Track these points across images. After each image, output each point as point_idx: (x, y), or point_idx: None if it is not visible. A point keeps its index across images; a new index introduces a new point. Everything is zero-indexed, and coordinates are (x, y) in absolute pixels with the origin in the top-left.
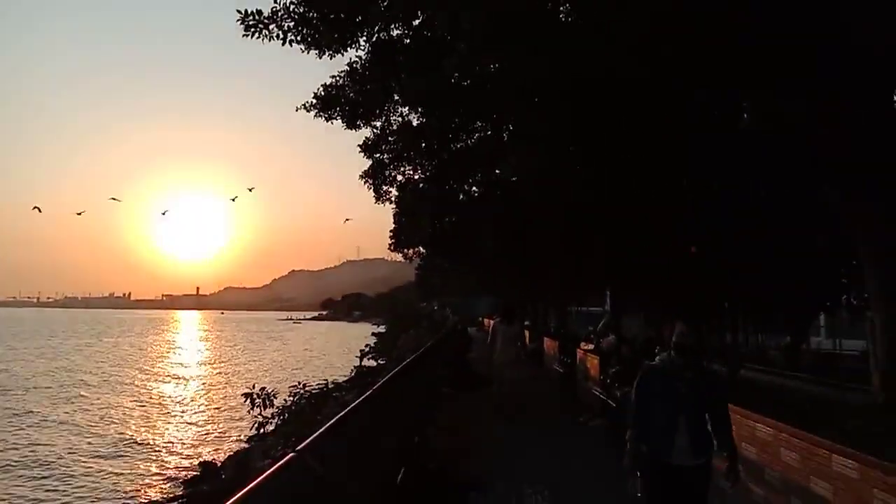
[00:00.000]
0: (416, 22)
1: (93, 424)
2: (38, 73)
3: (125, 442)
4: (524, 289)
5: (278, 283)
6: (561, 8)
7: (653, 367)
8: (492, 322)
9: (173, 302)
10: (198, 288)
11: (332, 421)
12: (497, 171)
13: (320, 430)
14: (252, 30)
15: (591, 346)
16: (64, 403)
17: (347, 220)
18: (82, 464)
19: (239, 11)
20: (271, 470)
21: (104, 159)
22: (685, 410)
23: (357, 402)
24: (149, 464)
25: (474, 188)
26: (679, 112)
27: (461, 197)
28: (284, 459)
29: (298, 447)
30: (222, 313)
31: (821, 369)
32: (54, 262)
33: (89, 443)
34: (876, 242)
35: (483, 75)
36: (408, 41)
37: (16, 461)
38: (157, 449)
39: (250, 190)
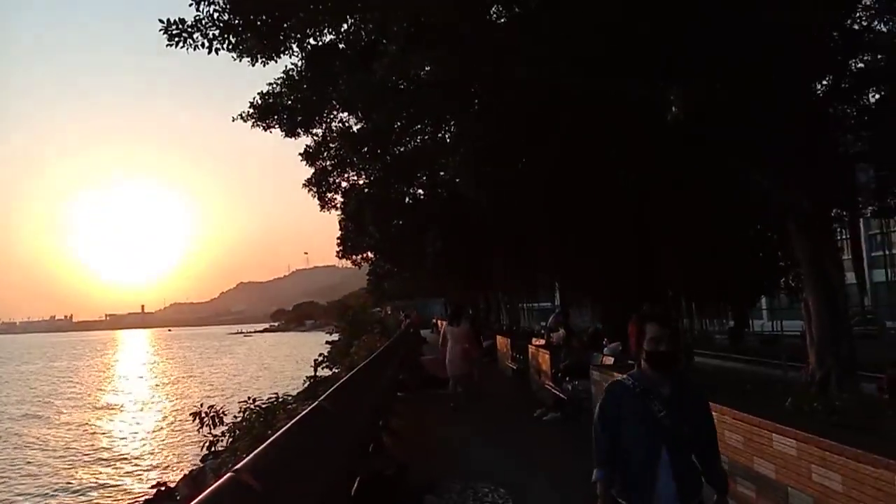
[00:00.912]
0: (345, 26)
1: (50, 445)
2: None
3: (79, 465)
4: (474, 288)
5: (226, 297)
6: (492, 9)
7: (620, 384)
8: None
9: (117, 321)
10: (143, 306)
11: (274, 436)
12: (441, 173)
13: (261, 447)
14: (176, 39)
15: (542, 342)
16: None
17: (306, 253)
18: (34, 486)
19: (161, 21)
20: (206, 493)
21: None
22: (667, 440)
23: (303, 412)
24: (103, 488)
25: (419, 191)
26: (609, 108)
27: (406, 200)
28: (220, 481)
29: (236, 466)
30: (169, 330)
31: (764, 351)
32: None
33: (44, 464)
34: (804, 227)
35: (415, 77)
36: (342, 46)
37: None
38: (110, 473)
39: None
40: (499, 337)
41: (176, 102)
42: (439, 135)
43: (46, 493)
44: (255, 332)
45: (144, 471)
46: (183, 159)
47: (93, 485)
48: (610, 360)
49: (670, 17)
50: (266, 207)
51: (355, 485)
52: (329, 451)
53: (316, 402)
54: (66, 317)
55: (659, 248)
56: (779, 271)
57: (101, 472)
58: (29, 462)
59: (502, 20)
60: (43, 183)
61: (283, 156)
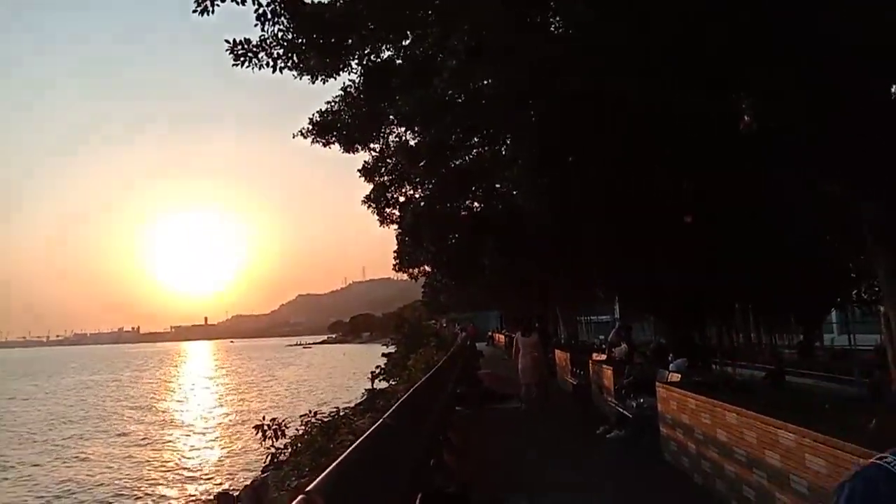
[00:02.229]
0: (406, 42)
1: (113, 459)
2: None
3: (146, 471)
4: (531, 301)
5: (286, 309)
6: (551, 20)
7: (881, 469)
8: (507, 336)
9: (183, 333)
10: (206, 318)
11: (342, 455)
12: (497, 186)
13: (330, 467)
14: (242, 59)
15: (603, 357)
16: (84, 441)
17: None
18: (100, 494)
19: (227, 41)
20: None
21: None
22: None
23: (369, 431)
24: (166, 494)
25: (475, 203)
26: (674, 119)
27: (462, 213)
28: (296, 502)
29: (308, 488)
30: (232, 342)
31: (836, 366)
32: (61, 301)
33: (109, 475)
34: (884, 238)
35: (475, 90)
36: (399, 61)
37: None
38: (175, 479)
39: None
40: (557, 351)
41: (238, 119)
42: (496, 147)
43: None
44: (314, 343)
45: (207, 479)
46: (244, 175)
47: (156, 492)
48: (677, 377)
49: (742, 26)
50: (324, 221)
51: (417, 502)
52: (393, 468)
53: (381, 420)
54: (133, 328)
55: (724, 260)
56: (851, 283)
57: (163, 480)
58: (92, 470)
59: (560, 31)
60: (118, 205)
61: (340, 170)
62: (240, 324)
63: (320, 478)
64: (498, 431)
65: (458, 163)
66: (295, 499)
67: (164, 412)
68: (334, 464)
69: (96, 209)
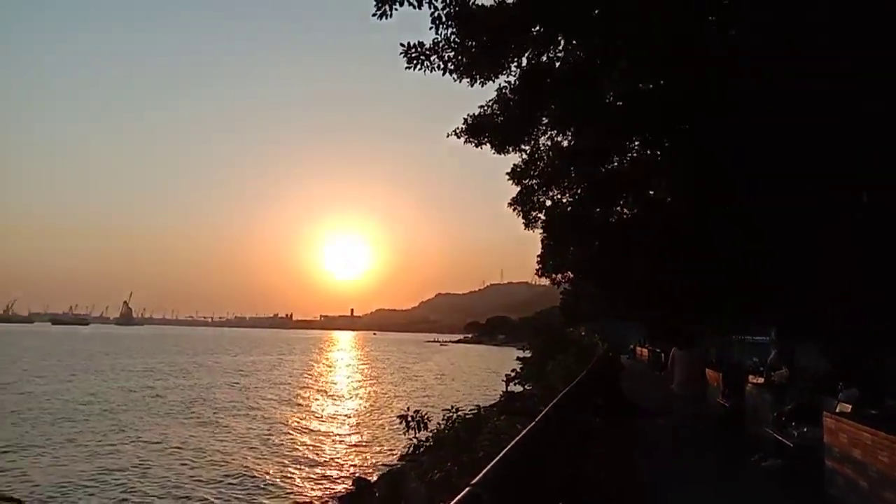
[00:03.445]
0: (568, 44)
1: (260, 435)
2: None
3: (286, 450)
4: (678, 315)
5: (425, 306)
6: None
7: None
8: (651, 350)
9: (330, 322)
10: (352, 309)
11: (501, 454)
12: (650, 192)
13: (492, 464)
14: (414, 62)
15: (760, 380)
16: (239, 416)
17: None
18: (244, 470)
19: (402, 45)
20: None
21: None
22: None
23: (523, 432)
24: (306, 474)
25: (625, 210)
26: (853, 124)
27: (610, 220)
28: (461, 495)
29: (473, 481)
30: (374, 334)
31: None
32: (229, 284)
33: (253, 452)
34: None
35: (639, 92)
36: (558, 64)
37: (195, 460)
38: (313, 460)
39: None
40: (708, 371)
41: (384, 119)
42: (654, 152)
43: (248, 482)
44: (451, 341)
45: (344, 465)
46: (391, 174)
47: (294, 475)
48: (847, 408)
49: None
50: (465, 222)
51: None
52: (542, 474)
53: (533, 423)
54: (286, 315)
55: None
56: None
57: (302, 463)
58: (238, 449)
59: (734, 32)
60: (279, 204)
61: (486, 172)
62: (382, 317)
63: (483, 472)
64: (640, 449)
65: (611, 167)
66: (460, 492)
67: (312, 395)
68: (495, 460)
69: (255, 202)
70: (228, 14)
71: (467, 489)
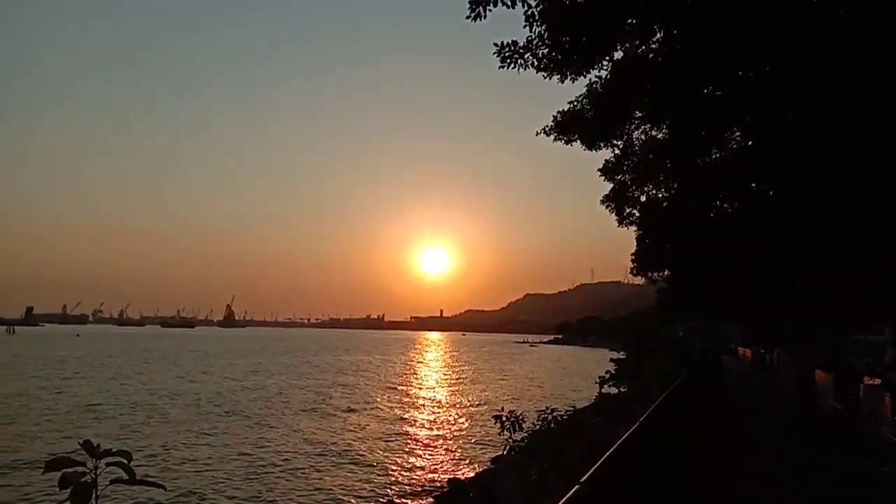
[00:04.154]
0: (671, 35)
1: (366, 432)
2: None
3: (382, 448)
4: (781, 313)
5: (514, 306)
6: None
7: None
8: (755, 350)
9: (421, 323)
10: (441, 311)
11: (606, 455)
12: (753, 185)
13: (598, 464)
14: (507, 61)
15: (877, 381)
16: (351, 412)
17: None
18: (341, 465)
19: (495, 44)
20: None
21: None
22: None
23: (626, 435)
24: (401, 473)
25: (725, 205)
26: None
27: (710, 215)
28: (571, 492)
29: (582, 479)
30: (463, 335)
31: None
32: (324, 287)
33: (353, 446)
34: None
35: (743, 81)
36: (652, 56)
37: (301, 452)
38: (408, 460)
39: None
40: (818, 371)
41: (479, 122)
42: (757, 141)
43: (343, 470)
44: (540, 342)
45: (438, 465)
46: (479, 176)
47: (386, 472)
48: None
49: None
50: (553, 222)
51: None
52: (646, 474)
53: (636, 426)
54: (378, 316)
55: None
56: None
57: (398, 461)
58: (349, 443)
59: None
60: (369, 206)
61: (573, 171)
62: (471, 318)
63: (591, 471)
64: (746, 452)
65: (709, 159)
66: (569, 490)
67: (411, 394)
68: (601, 460)
69: (343, 205)
70: (346, 25)
71: (576, 487)
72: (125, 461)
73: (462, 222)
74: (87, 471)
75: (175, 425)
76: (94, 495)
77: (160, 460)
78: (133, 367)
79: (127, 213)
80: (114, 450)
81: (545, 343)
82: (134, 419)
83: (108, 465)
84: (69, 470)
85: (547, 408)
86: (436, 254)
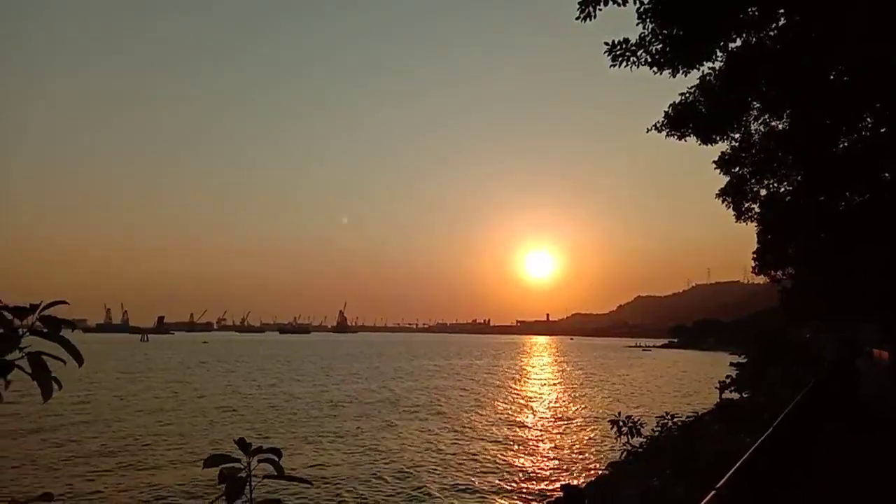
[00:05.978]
0: (795, 20)
1: (465, 436)
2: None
3: (494, 453)
4: None
5: (624, 309)
6: None
7: None
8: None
9: (527, 328)
10: (548, 314)
11: (740, 461)
12: (885, 175)
13: (732, 470)
14: (619, 59)
15: None
16: (471, 414)
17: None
18: (451, 472)
19: (606, 43)
20: None
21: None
22: None
23: (760, 441)
24: (516, 476)
25: (855, 197)
26: None
27: (840, 208)
28: (707, 497)
29: (717, 485)
30: (571, 339)
31: None
32: (431, 292)
33: (468, 449)
34: None
35: (873, 63)
36: (768, 43)
37: (421, 454)
38: (524, 464)
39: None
40: None
41: (585, 121)
42: (883, 129)
43: (463, 472)
44: (654, 346)
45: (552, 470)
46: (585, 175)
47: (501, 478)
48: None
49: None
50: (665, 221)
51: None
52: (779, 483)
53: (768, 432)
54: (484, 321)
55: None
56: None
57: (515, 465)
58: (465, 444)
59: None
60: (474, 213)
61: (682, 167)
62: (579, 322)
63: (727, 477)
64: (887, 468)
65: (837, 149)
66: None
67: (524, 397)
68: (735, 466)
69: (443, 210)
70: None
71: (712, 492)
72: (275, 458)
73: (567, 225)
74: (242, 467)
75: (310, 426)
76: (248, 489)
77: (303, 458)
78: (261, 371)
79: (240, 227)
80: (265, 447)
81: (658, 347)
82: (275, 418)
83: (259, 461)
84: (226, 466)
85: (666, 413)
86: (541, 257)
